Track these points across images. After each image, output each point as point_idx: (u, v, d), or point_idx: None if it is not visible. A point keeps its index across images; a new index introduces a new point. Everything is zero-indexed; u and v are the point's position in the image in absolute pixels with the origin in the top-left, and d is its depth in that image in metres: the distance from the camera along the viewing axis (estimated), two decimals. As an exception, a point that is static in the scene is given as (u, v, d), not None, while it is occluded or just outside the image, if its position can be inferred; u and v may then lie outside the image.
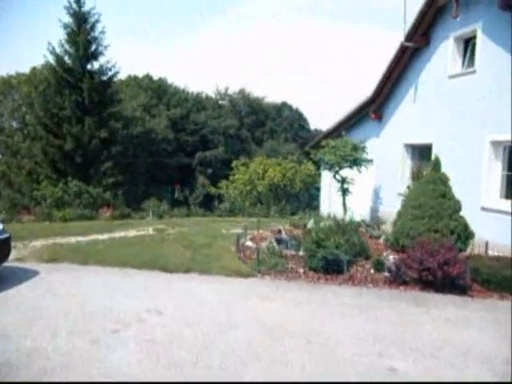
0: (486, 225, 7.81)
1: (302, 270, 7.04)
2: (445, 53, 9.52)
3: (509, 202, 7.97)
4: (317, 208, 17.25)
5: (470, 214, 7.52)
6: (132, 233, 10.63)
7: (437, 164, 7.08)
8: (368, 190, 12.73)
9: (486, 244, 7.27)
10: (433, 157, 9.67)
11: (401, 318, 5.02)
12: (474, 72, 8.70)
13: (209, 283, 6.36)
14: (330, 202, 15.56)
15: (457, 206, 6.75)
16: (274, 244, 8.63)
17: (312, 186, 18.45)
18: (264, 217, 17.29)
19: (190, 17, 75.90)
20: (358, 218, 11.97)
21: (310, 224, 10.54)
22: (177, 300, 5.48)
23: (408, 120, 10.90)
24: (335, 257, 6.79)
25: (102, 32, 22.33)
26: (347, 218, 11.23)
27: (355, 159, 10.97)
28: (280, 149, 41.14)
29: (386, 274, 6.71)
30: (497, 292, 5.95)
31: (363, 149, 11.17)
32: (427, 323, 4.87)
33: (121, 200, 17.18)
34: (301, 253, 8.07)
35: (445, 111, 9.51)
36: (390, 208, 11.48)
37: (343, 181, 11.51)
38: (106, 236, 9.96)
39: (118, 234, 10.30)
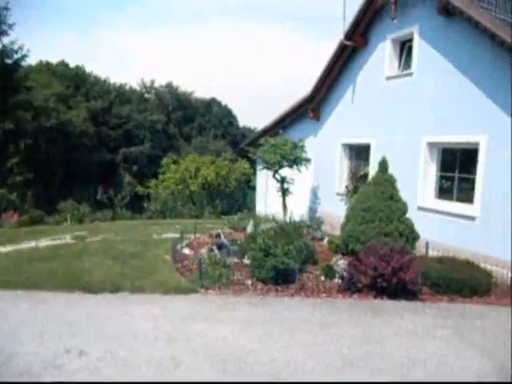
0: (423, 224, 7.96)
1: (249, 282, 6.39)
2: (382, 54, 9.58)
3: (443, 202, 8.23)
4: (252, 208, 16.82)
5: (409, 214, 7.60)
6: (44, 242, 9.02)
7: (384, 165, 6.95)
8: (306, 190, 12.56)
9: (427, 244, 7.36)
10: (371, 158, 9.77)
11: (364, 334, 4.64)
12: (410, 74, 8.83)
13: (143, 305, 5.39)
14: (266, 202, 15.21)
15: (404, 208, 6.67)
16: (216, 251, 7.88)
17: (246, 185, 17.95)
18: (197, 218, 16.38)
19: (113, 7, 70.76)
20: (297, 219, 11.76)
21: (250, 227, 9.97)
22: (105, 333, 4.46)
23: (346, 120, 10.87)
24: (286, 266, 6.27)
25: (6, 8, 19.31)
26: (287, 219, 10.92)
27: (296, 158, 10.65)
28: (209, 145, 40.22)
29: (338, 280, 6.39)
30: (446, 295, 5.94)
31: (302, 148, 10.90)
32: (392, 337, 4.55)
33: (30, 202, 14.90)
34: (245, 260, 7.44)
35: (383, 112, 9.59)
36: (329, 208, 11.43)
37: (283, 180, 11.14)
38: (9, 248, 8.29)
39: (26, 245, 8.65)
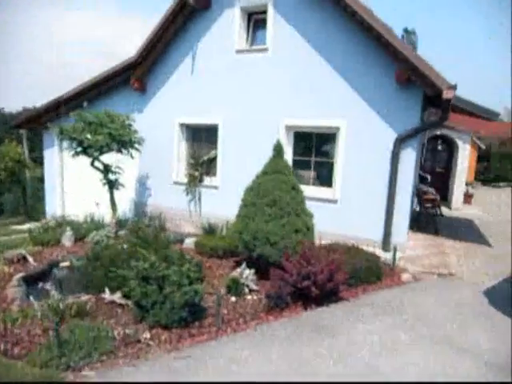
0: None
1: (147, 335, 4.11)
2: (229, 23, 8.41)
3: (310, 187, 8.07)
4: (39, 209, 12.51)
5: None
6: None
7: (279, 150, 5.94)
8: (129, 181, 10.09)
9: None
10: (219, 140, 8.53)
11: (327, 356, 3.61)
12: (265, 50, 8.10)
13: None
14: (64, 199, 11.52)
15: (303, 197, 5.93)
16: (55, 294, 4.89)
17: (24, 177, 13.07)
18: None
19: None
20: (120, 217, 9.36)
21: (92, 237, 7.07)
22: None
23: (185, 95, 9.15)
24: (192, 299, 4.35)
25: None
26: (113, 221, 8.37)
27: (129, 140, 8.17)
28: None
29: (252, 297, 5.04)
30: (354, 286, 5.63)
31: (130, 126, 8.45)
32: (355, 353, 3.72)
33: None
34: (115, 297, 4.92)
35: (234, 88, 8.52)
36: (164, 201, 9.57)
37: (107, 169, 8.40)
38: None
39: None
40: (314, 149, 8.13)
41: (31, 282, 5.79)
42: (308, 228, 5.67)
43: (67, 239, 7.59)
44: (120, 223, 8.60)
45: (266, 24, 8.09)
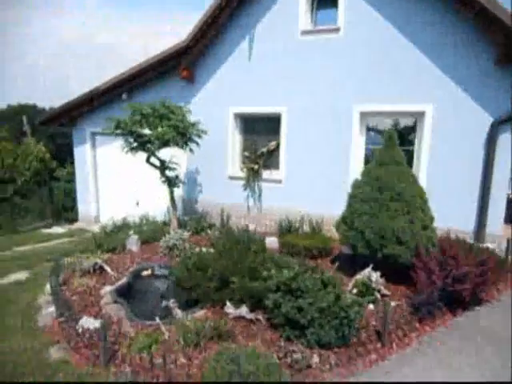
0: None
1: (317, 359, 3.52)
2: (295, 1, 7.71)
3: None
4: (69, 210, 11.69)
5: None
6: None
7: (392, 138, 5.36)
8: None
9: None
10: (282, 130, 7.86)
11: None
12: (336, 30, 7.45)
13: None
14: (98, 199, 10.74)
15: (424, 190, 5.39)
16: (178, 312, 4.26)
17: (48, 177, 12.10)
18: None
19: None
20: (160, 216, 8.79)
21: (166, 241, 6.43)
22: None
23: (240, 82, 8.44)
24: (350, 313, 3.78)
25: None
26: (175, 220, 7.69)
27: (191, 133, 7.46)
28: None
29: (398, 303, 4.50)
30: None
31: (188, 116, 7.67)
32: None
33: None
34: (246, 314, 4.30)
35: (298, 74, 7.85)
36: (218, 198, 8.91)
37: (163, 166, 7.69)
38: None
39: None
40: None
41: (119, 295, 5.12)
42: (432, 223, 5.14)
43: (133, 244, 6.89)
44: (179, 223, 7.92)
45: (336, 1, 7.43)
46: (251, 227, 8.55)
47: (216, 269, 4.73)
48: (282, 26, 7.86)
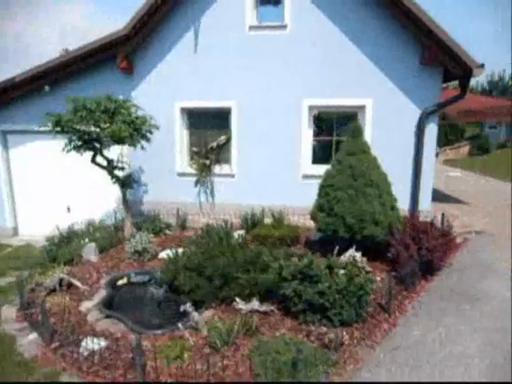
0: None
1: (347, 336, 3.77)
2: (239, -6, 7.75)
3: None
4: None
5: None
6: None
7: (358, 130, 5.85)
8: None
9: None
10: (232, 124, 7.86)
11: None
12: (284, 27, 7.73)
13: None
14: (15, 207, 9.32)
15: (386, 175, 6.04)
16: (195, 315, 4.09)
17: None
18: None
19: None
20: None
21: (132, 247, 5.99)
22: None
23: (185, 76, 8.15)
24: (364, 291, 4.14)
25: None
26: (128, 222, 7.22)
27: (145, 129, 7.00)
28: None
29: (382, 277, 5.03)
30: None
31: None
32: None
33: None
34: (258, 307, 4.32)
35: (247, 69, 7.95)
36: (164, 197, 8.56)
37: (111, 165, 7.10)
38: None
39: None
40: (335, 128, 8.23)
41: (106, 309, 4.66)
42: (396, 204, 5.84)
43: (91, 253, 6.22)
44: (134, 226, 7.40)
45: (281, -2, 7.70)
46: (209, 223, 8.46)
47: (216, 267, 4.65)
48: (230, 20, 7.84)
